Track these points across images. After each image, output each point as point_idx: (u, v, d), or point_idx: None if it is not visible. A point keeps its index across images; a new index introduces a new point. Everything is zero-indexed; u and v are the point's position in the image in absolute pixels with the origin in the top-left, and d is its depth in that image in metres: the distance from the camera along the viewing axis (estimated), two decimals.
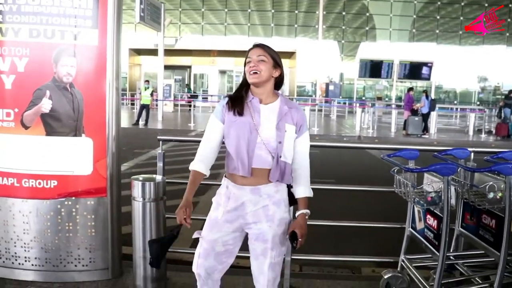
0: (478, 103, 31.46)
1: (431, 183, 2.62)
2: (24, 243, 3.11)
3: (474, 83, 31.79)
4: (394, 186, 2.86)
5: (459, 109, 23.84)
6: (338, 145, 3.72)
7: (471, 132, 16.65)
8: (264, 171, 2.12)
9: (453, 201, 2.59)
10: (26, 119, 3.02)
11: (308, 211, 2.15)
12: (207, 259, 2.20)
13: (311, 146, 2.28)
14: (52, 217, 3.08)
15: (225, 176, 2.22)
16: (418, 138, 14.70)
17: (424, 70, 25.92)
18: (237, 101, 2.16)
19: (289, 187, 2.22)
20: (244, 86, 2.20)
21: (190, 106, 20.25)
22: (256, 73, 2.12)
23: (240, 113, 2.12)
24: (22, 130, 3.02)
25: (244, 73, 2.19)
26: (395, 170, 2.82)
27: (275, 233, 2.13)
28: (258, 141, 2.10)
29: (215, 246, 2.19)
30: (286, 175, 2.15)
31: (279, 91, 2.25)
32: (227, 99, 2.20)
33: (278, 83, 2.22)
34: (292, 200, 2.22)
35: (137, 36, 30.05)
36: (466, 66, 30.64)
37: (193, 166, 2.18)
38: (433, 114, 16.58)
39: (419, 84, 30.01)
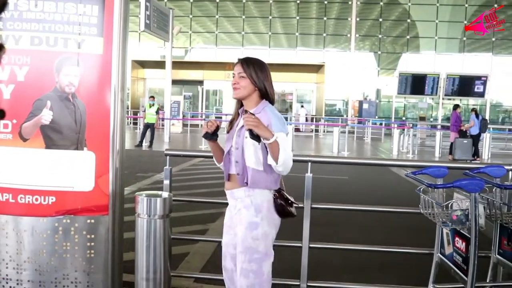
0: None
1: (457, 200, 2.84)
2: (17, 265, 3.38)
3: None
4: (420, 206, 3.08)
5: None
6: (354, 162, 3.96)
7: None
8: (235, 176, 2.64)
9: (482, 221, 2.79)
10: (24, 131, 3.35)
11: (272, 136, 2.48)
12: (225, 260, 2.73)
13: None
14: (48, 236, 3.37)
15: None
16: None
17: (477, 85, 25.95)
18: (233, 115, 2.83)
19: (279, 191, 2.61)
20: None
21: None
22: (237, 88, 2.69)
23: (230, 127, 2.82)
24: (20, 142, 3.35)
25: None
26: (421, 189, 3.06)
27: (244, 236, 2.53)
28: (232, 149, 2.70)
29: (228, 248, 2.70)
30: (251, 180, 2.55)
31: (265, 102, 2.73)
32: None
33: (265, 95, 2.71)
34: (281, 213, 2.58)
35: (142, 47, 30.98)
36: None
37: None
38: (486, 136, 16.60)
39: (471, 102, 29.86)
